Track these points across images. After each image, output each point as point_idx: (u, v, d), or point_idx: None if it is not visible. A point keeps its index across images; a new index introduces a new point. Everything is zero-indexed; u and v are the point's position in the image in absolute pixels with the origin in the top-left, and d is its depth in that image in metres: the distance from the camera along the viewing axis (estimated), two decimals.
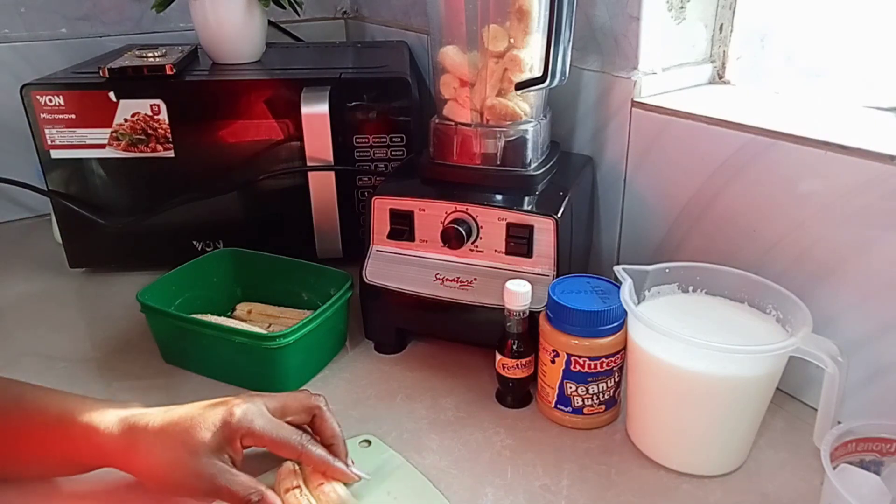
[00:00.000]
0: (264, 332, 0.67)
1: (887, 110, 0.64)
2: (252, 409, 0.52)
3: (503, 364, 0.63)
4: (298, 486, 0.52)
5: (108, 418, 0.52)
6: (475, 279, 0.66)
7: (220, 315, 0.74)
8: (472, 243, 0.66)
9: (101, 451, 0.51)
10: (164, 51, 0.88)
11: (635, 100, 0.72)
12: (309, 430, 0.55)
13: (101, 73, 0.80)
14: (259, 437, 0.51)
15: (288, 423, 0.53)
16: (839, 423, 0.50)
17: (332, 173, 0.82)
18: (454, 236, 0.64)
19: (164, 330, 0.70)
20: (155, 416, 0.51)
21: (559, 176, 0.71)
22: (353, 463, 0.55)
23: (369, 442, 0.59)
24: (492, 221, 0.65)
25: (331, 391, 0.66)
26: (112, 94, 0.80)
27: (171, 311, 0.68)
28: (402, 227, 0.68)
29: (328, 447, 0.54)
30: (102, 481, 0.54)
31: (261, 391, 0.56)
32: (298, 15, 1.00)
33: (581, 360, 0.58)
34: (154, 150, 0.82)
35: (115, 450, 0.51)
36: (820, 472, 0.47)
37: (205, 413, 0.51)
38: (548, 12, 0.61)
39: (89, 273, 0.90)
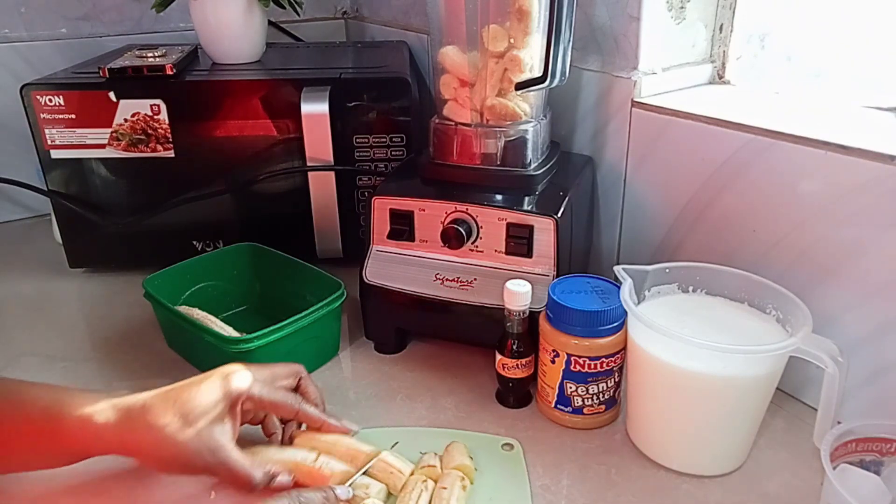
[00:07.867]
0: (235, 335, 0.66)
1: (887, 110, 0.64)
2: (248, 375, 0.52)
3: (503, 364, 0.63)
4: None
5: (101, 406, 0.50)
6: (475, 279, 0.66)
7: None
8: (472, 243, 0.66)
9: (97, 440, 0.49)
10: (164, 51, 0.88)
11: (635, 100, 0.72)
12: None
13: (101, 73, 0.80)
14: (258, 399, 0.52)
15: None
16: (839, 423, 0.50)
17: (332, 173, 0.82)
18: (454, 236, 0.64)
19: (162, 317, 0.72)
20: (149, 396, 0.50)
21: (559, 176, 0.71)
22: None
23: (512, 446, 0.59)
24: (492, 221, 0.65)
25: (331, 391, 0.66)
26: (112, 94, 0.79)
27: (164, 300, 0.69)
28: (402, 227, 0.68)
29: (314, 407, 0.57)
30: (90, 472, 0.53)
31: None
32: (298, 15, 1.00)
33: (581, 360, 0.58)
34: (154, 150, 0.82)
35: (113, 435, 0.49)
36: (820, 472, 0.47)
37: (202, 384, 0.50)
38: (548, 12, 0.61)
39: (89, 273, 0.90)
